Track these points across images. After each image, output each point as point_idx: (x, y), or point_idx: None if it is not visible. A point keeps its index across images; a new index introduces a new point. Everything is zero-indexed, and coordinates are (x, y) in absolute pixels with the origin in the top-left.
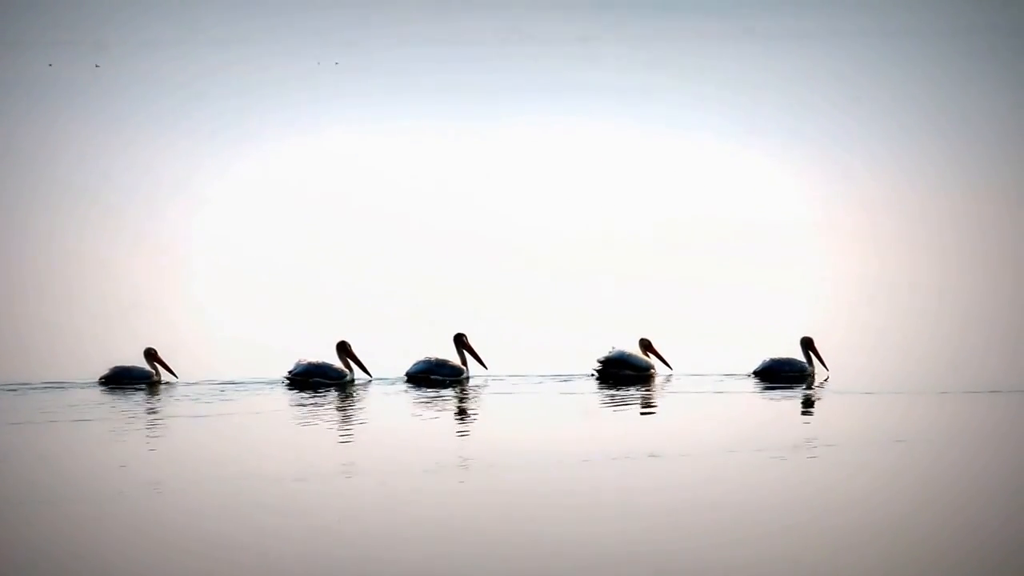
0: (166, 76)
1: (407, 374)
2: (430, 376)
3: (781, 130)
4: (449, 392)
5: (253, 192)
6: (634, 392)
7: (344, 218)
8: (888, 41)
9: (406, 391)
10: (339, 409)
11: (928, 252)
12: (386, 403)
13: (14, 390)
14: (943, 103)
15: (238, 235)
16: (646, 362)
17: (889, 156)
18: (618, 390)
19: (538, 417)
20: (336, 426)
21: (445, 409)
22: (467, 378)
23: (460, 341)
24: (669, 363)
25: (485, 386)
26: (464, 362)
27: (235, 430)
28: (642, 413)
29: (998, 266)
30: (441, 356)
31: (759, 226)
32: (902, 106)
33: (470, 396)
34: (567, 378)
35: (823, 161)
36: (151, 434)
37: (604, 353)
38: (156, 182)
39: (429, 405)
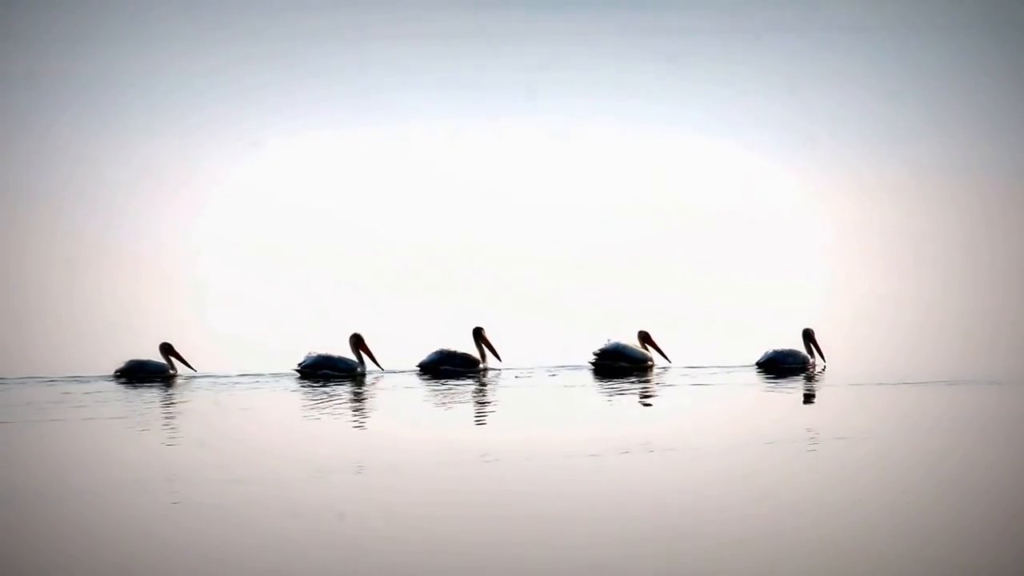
0: (177, 70)
1: (420, 365)
2: (441, 367)
3: (782, 125)
4: (461, 383)
5: (263, 186)
6: (634, 384)
7: (353, 213)
8: (892, 36)
9: (423, 382)
10: (349, 402)
11: (929, 245)
12: (396, 396)
13: (32, 383)
14: (945, 96)
15: (251, 230)
16: (642, 354)
17: (890, 151)
18: (616, 382)
19: (543, 410)
20: (345, 420)
21: (456, 401)
22: (484, 370)
23: (478, 334)
24: (667, 355)
25: (498, 377)
26: (482, 355)
27: (245, 425)
28: (644, 406)
29: (1000, 261)
30: (453, 348)
31: (759, 220)
32: (901, 99)
33: (483, 387)
34: (574, 369)
35: (825, 156)
36: (161, 429)
37: (600, 345)
38: (157, 182)
39: (440, 398)
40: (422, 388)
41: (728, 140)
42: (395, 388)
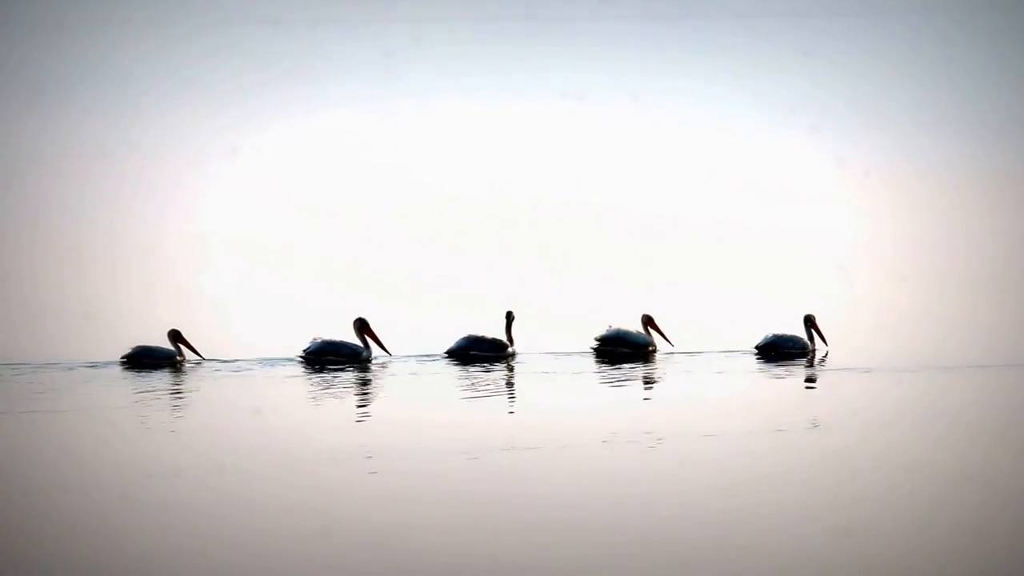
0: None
1: (448, 351)
2: (470, 352)
3: (784, 114)
4: (479, 369)
5: (271, 171)
6: (645, 370)
7: (364, 202)
8: (900, 25)
9: (446, 367)
10: (353, 390)
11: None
12: (403, 383)
13: (42, 369)
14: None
15: (255, 218)
16: (644, 339)
17: (895, 144)
18: (618, 367)
19: (554, 397)
20: (354, 406)
21: (472, 387)
22: (513, 354)
23: (510, 319)
24: (670, 339)
25: (524, 363)
26: (510, 340)
27: (251, 411)
28: (646, 394)
29: (1003, 255)
30: (482, 333)
31: (760, 216)
32: (901, 88)
33: (507, 372)
34: (583, 356)
35: (827, 147)
36: (167, 417)
37: (602, 331)
38: (163, 167)
39: (451, 384)
40: (429, 375)
41: (743, 127)
42: (401, 374)
